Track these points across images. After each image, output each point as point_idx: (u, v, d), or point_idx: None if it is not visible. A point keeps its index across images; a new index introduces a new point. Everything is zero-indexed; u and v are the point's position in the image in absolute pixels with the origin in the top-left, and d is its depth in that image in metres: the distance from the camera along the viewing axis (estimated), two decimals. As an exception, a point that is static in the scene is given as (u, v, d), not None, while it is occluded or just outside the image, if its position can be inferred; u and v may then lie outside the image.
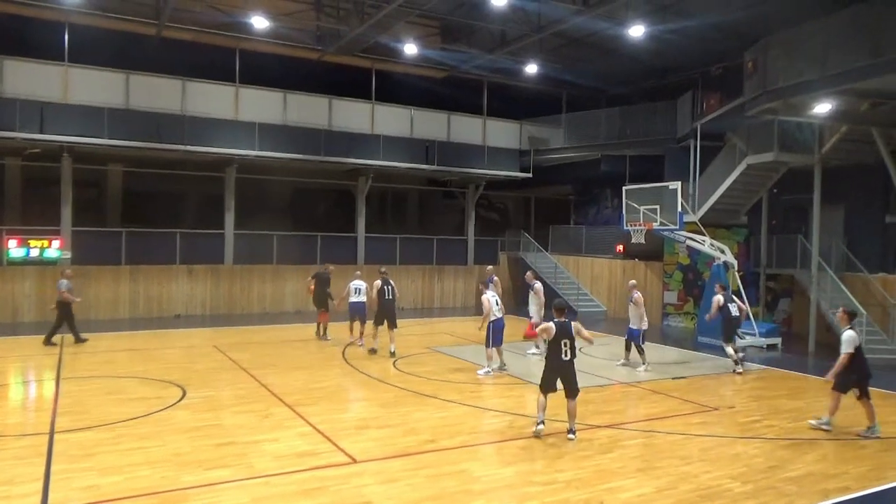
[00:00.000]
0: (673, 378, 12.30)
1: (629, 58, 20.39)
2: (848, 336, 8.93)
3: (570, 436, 8.25)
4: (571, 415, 8.36)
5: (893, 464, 7.76)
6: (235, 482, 6.56)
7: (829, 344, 15.72)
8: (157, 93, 18.59)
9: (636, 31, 16.87)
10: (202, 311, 19.87)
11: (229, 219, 20.38)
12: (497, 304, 12.08)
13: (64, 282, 14.34)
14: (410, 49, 19.89)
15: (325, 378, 11.52)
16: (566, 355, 8.26)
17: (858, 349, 8.95)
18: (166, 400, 9.67)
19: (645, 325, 12.95)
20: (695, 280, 19.61)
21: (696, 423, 9.32)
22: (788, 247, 18.03)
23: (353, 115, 21.41)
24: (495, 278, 14.59)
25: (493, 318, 11.93)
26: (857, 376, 8.96)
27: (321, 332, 15.56)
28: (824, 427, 9.02)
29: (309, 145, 20.30)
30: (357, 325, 14.53)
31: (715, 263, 16.34)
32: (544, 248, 24.88)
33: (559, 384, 8.38)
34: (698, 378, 12.51)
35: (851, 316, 9.18)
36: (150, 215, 21.39)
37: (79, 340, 14.36)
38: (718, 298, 13.13)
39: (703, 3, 16.52)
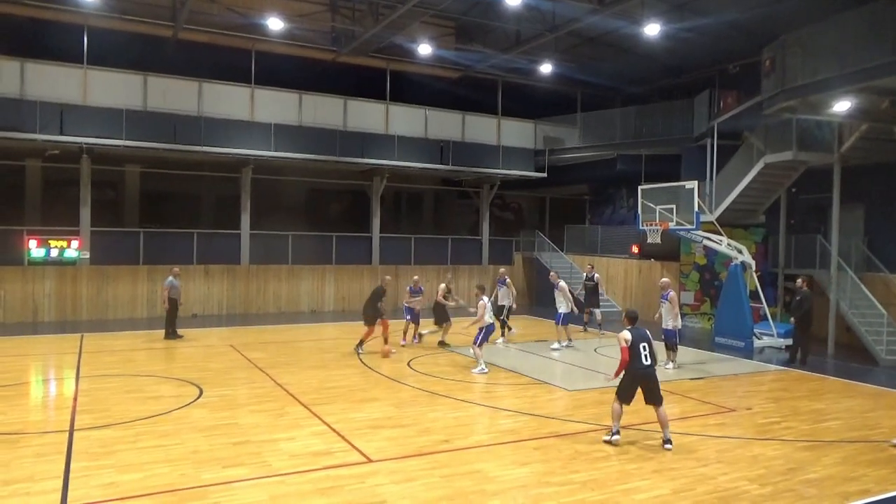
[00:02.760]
0: (691, 379, 12.21)
1: (645, 56, 20.28)
2: None
3: (667, 446, 7.91)
4: (663, 423, 8.02)
5: (915, 467, 7.64)
6: (252, 480, 6.60)
7: (849, 345, 15.60)
8: (174, 94, 18.76)
9: (652, 29, 16.78)
10: (218, 310, 20.03)
11: (245, 219, 20.53)
12: (490, 311, 12.76)
13: (168, 279, 15.25)
14: (425, 49, 19.92)
15: (339, 377, 11.56)
16: (646, 359, 8.00)
17: None
18: (184, 398, 9.76)
19: (680, 324, 12.97)
20: (711, 280, 19.45)
21: (714, 425, 9.25)
22: (807, 247, 17.81)
23: (368, 115, 21.47)
24: (507, 279, 16.26)
25: (486, 324, 12.45)
26: None
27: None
28: None
29: (324, 146, 20.39)
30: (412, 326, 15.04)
31: (732, 264, 16.20)
32: (559, 248, 24.80)
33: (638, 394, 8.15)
34: (716, 379, 12.40)
35: None
36: (167, 216, 21.61)
37: (168, 336, 15.12)
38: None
39: (719, 1, 16.38)
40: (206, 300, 19.92)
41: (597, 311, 17.86)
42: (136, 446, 7.55)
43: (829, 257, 16.24)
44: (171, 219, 21.32)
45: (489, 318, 12.62)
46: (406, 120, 22.07)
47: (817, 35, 13.35)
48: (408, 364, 12.79)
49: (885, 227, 16.79)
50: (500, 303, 16.05)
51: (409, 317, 14.89)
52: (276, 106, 20.10)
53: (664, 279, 14.05)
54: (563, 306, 14.99)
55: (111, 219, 20.60)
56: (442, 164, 22.28)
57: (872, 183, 16.83)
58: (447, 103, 22.83)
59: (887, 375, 13.19)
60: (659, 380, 8.22)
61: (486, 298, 12.80)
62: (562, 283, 15.34)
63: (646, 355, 8.01)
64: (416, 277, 15.71)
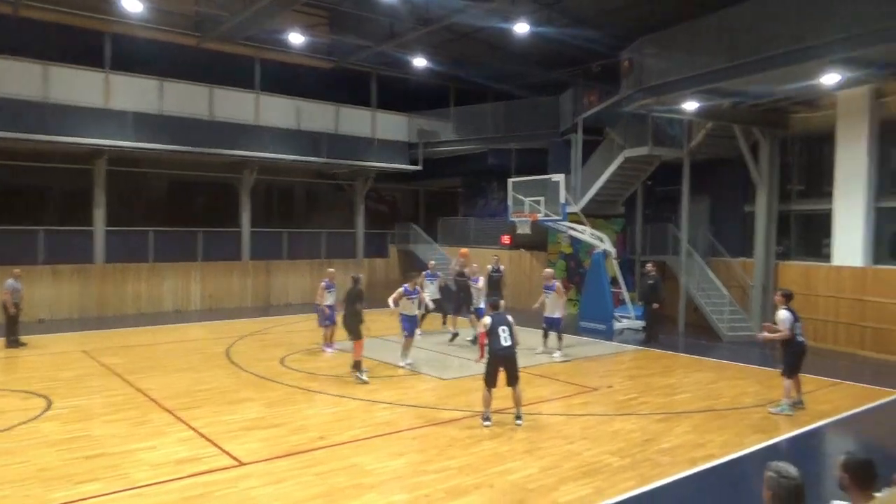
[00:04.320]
0: (559, 362, 12.82)
1: (515, 54, 20.88)
2: (781, 314, 9.26)
3: (518, 421, 8.45)
4: (517, 402, 8.55)
5: (750, 432, 8.49)
6: (109, 495, 6.14)
7: (697, 324, 17.04)
8: (16, 78, 16.89)
9: (521, 28, 17.28)
10: (69, 314, 18.40)
11: (99, 214, 19.00)
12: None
13: (8, 281, 13.75)
14: (297, 38, 19.33)
15: (207, 380, 11.02)
16: (505, 341, 8.39)
17: (792, 329, 9.19)
18: (29, 412, 8.88)
19: (565, 312, 13.52)
20: (576, 268, 20.50)
21: (579, 404, 9.78)
22: (661, 235, 19.25)
23: (237, 105, 20.53)
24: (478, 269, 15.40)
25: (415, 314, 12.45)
26: (787, 353, 9.29)
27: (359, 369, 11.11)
28: (787, 412, 9.19)
29: (188, 136, 19.26)
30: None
31: (595, 252, 17.15)
32: (434, 239, 25.11)
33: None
34: (581, 361, 13.09)
35: (787, 297, 9.39)
36: (8, 211, 19.51)
37: (10, 345, 13.57)
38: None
39: (584, 3, 17.19)
40: (54, 303, 18.22)
41: (501, 302, 17.78)
42: (-29, 467, 6.80)
43: (679, 244, 17.64)
44: (12, 215, 19.26)
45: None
46: (277, 111, 21.33)
47: (669, 39, 14.43)
48: (280, 362, 12.43)
49: (727, 216, 18.46)
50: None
51: (327, 321, 13.47)
52: (134, 93, 18.72)
53: (548, 270, 14.61)
54: (558, 311, 14.00)
55: (-61, 215, 18.35)
56: (315, 156, 21.78)
57: (716, 176, 18.41)
58: (321, 95, 22.32)
59: (728, 350, 14.57)
60: (516, 362, 8.55)
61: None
62: (481, 280, 14.94)
63: (504, 337, 8.41)
64: (331, 270, 14.22)
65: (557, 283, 13.53)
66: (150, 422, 8.53)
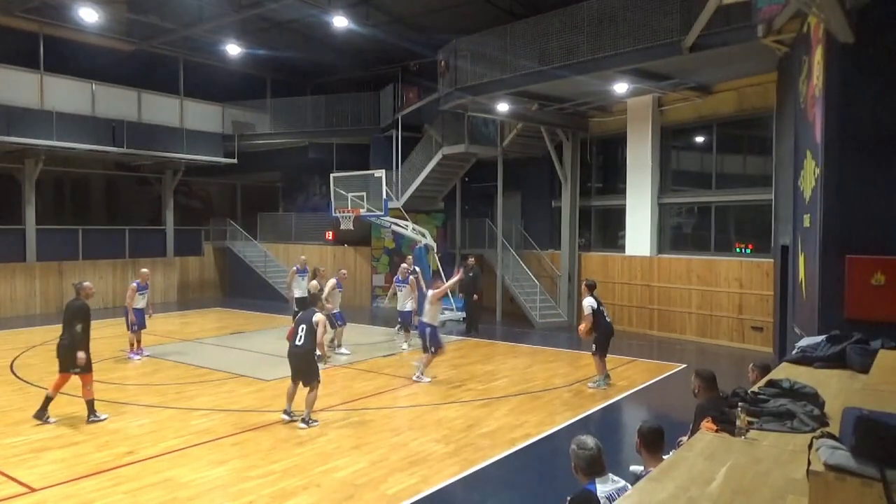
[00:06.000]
0: (384, 356, 12.94)
1: (335, 48, 20.66)
2: (585, 302, 10.37)
3: (301, 424, 8.21)
4: (307, 403, 8.28)
5: (562, 409, 9.22)
6: None
7: (513, 313, 18.10)
8: None
9: (339, 21, 17.11)
10: None
11: None
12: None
13: None
14: (89, 15, 17.39)
15: (-13, 398, 9.62)
16: (298, 340, 8.28)
17: (597, 312, 10.28)
18: None
19: (415, 306, 13.61)
20: (399, 263, 20.78)
21: (405, 396, 9.96)
22: (478, 229, 20.19)
23: (16, 86, 17.97)
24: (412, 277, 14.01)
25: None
26: (598, 335, 10.41)
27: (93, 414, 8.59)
28: (603, 386, 10.35)
29: (-47, 119, 16.60)
30: None
31: (417, 247, 17.53)
32: (253, 236, 24.12)
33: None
34: (407, 353, 13.32)
35: (591, 288, 10.50)
36: None
37: None
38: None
39: (401, 1, 17.42)
40: None
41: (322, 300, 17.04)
42: None
43: (495, 238, 18.62)
44: None
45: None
46: (68, 94, 19.02)
47: (482, 43, 15.14)
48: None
49: (537, 211, 19.81)
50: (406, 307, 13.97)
51: (135, 325, 12.34)
52: None
53: (404, 265, 14.47)
54: (409, 304, 13.79)
55: None
56: (115, 146, 19.78)
57: (527, 174, 19.68)
58: (120, 79, 20.33)
59: (540, 336, 15.67)
60: (307, 362, 8.31)
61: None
62: (411, 279, 14.06)
63: (300, 336, 8.33)
64: (144, 270, 12.94)
65: (412, 278, 13.82)
66: None
